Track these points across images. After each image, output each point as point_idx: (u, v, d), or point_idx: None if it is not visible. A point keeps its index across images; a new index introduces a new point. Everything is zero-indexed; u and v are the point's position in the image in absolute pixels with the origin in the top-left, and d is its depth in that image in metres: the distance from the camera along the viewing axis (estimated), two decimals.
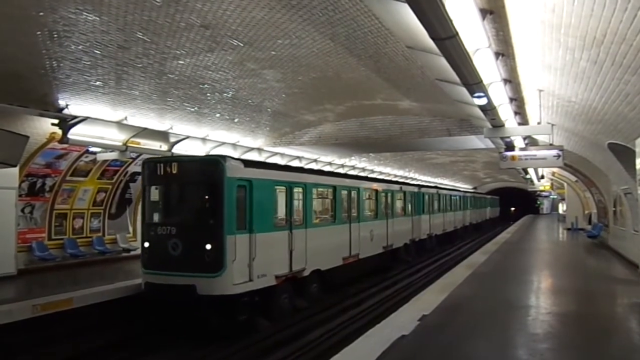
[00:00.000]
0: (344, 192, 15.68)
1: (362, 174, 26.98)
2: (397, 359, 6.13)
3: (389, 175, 32.59)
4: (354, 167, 28.21)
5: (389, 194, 19.89)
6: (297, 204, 12.88)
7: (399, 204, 21.40)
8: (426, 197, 25.34)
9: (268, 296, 10.99)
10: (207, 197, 10.94)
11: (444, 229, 28.91)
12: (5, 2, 7.96)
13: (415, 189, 23.82)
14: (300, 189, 12.92)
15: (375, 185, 18.73)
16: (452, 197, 32.34)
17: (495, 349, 6.71)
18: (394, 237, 19.65)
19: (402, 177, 34.53)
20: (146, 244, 10.80)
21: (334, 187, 14.94)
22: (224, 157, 10.58)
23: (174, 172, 10.67)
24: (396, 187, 21.31)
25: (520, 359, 6.36)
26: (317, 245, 13.07)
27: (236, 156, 17.30)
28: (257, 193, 10.85)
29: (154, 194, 11.36)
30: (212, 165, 10.44)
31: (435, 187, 30.16)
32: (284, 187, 12.24)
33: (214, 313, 10.07)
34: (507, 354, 6.53)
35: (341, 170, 25.74)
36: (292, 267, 11.89)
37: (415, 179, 36.24)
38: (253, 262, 10.36)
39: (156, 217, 11.18)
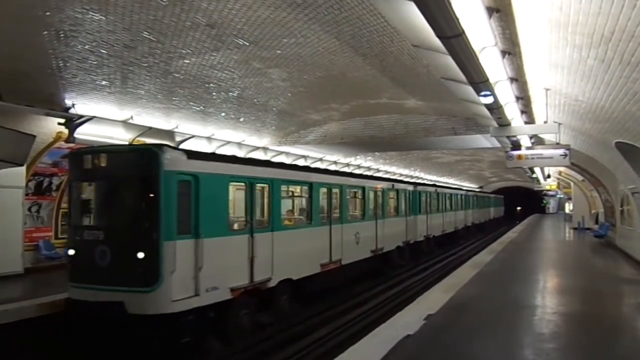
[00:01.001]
0: (323, 190, 13.80)
1: (368, 173, 26.79)
2: (403, 359, 6.11)
3: (394, 174, 32.52)
4: (359, 166, 28.19)
5: (379, 193, 17.84)
6: (261, 203, 11.11)
7: (391, 203, 19.37)
8: (423, 195, 23.44)
9: (222, 312, 9.29)
10: (140, 194, 8.96)
11: (444, 230, 27.06)
12: (13, 2, 8.01)
13: (410, 187, 21.86)
14: (266, 186, 11.05)
15: (362, 183, 16.76)
16: (453, 196, 30.56)
17: (502, 349, 6.68)
18: (384, 239, 17.50)
19: (407, 176, 34.46)
20: (71, 252, 9.00)
21: (310, 185, 12.90)
22: (160, 146, 8.79)
23: (103, 165, 8.91)
24: (387, 184, 19.23)
25: (526, 359, 6.34)
26: (287, 250, 11.21)
27: (241, 153, 17.39)
28: (206, 190, 9.03)
29: (81, 191, 9.59)
30: (146, 156, 8.73)
31: (434, 185, 28.65)
32: (243, 184, 10.45)
33: (149, 335, 8.33)
34: (513, 353, 6.50)
35: (347, 170, 25.64)
36: (254, 277, 10.02)
37: (420, 178, 36.17)
38: (200, 272, 8.59)
39: (83, 219, 9.40)
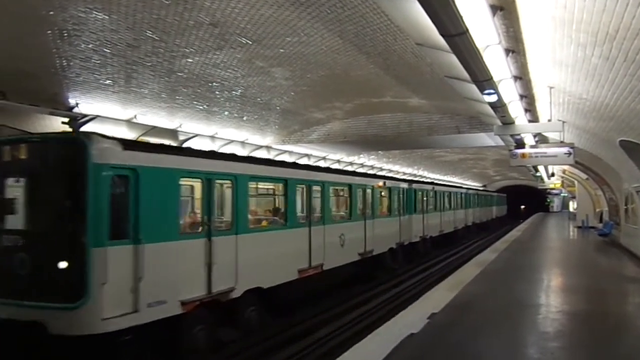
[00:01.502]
0: (301, 188, 12.47)
1: (371, 172, 26.72)
2: (406, 357, 6.11)
3: (398, 173, 32.48)
4: (362, 165, 28.18)
5: (368, 191, 16.25)
6: (222, 202, 10.02)
7: (382, 202, 18.06)
8: (419, 194, 22.07)
9: (172, 330, 8.02)
10: (64, 192, 7.53)
11: (441, 230, 25.55)
12: (16, 2, 8.03)
13: (405, 185, 20.39)
14: (228, 183, 9.78)
15: (348, 180, 15.27)
16: (452, 195, 29.11)
17: (506, 348, 6.67)
18: (374, 241, 16.07)
19: (410, 174, 34.43)
20: None
21: (285, 181, 11.56)
22: (88, 134, 7.55)
23: (22, 157, 7.79)
24: (378, 182, 17.70)
25: (531, 358, 6.32)
26: (255, 256, 9.90)
27: (244, 152, 17.37)
28: (149, 187, 7.70)
29: None
30: (71, 146, 7.48)
31: (432, 182, 27.50)
32: (198, 180, 9.16)
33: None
34: (517, 352, 6.49)
35: (350, 168, 25.60)
36: (212, 288, 8.68)
37: (424, 177, 36.11)
38: (140, 284, 7.29)
39: (2, 222, 7.78)
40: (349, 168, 25.73)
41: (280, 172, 11.53)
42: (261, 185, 11.61)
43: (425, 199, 22.94)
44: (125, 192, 7.47)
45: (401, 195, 19.53)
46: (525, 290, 10.46)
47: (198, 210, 9.38)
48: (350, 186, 15.01)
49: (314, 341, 9.76)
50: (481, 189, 48.54)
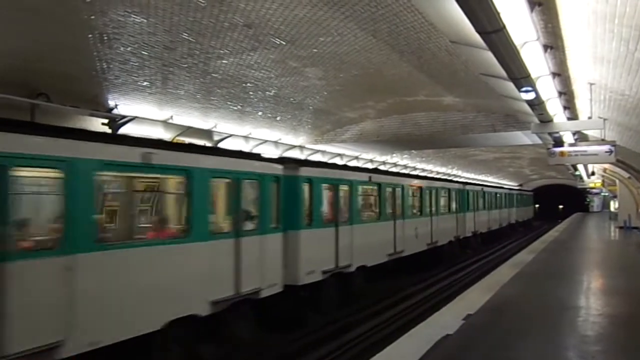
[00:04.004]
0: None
1: (404, 171, 26.55)
2: (442, 359, 6.05)
3: (431, 172, 32.11)
4: (395, 164, 27.99)
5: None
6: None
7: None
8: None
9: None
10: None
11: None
12: (60, 8, 8.30)
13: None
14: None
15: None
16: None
17: (544, 350, 6.52)
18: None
19: (444, 174, 34.00)
20: None
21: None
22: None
23: None
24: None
25: None
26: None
27: (277, 152, 17.58)
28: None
29: None
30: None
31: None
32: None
33: None
34: (556, 355, 6.33)
35: (383, 168, 25.46)
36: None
37: (458, 176, 35.60)
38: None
39: None
40: (382, 167, 25.58)
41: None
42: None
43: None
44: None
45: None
46: (564, 292, 10.20)
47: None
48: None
49: (349, 340, 9.78)
50: (521, 189, 47.68)
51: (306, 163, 12.59)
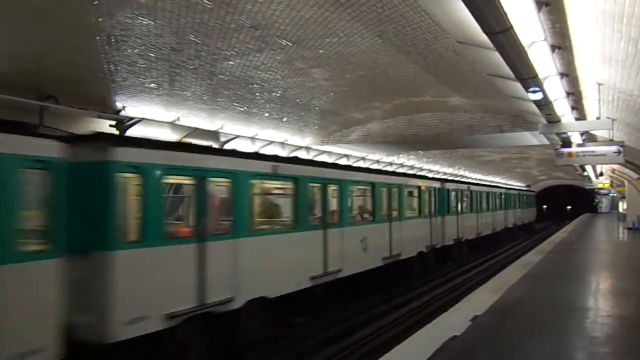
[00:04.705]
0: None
1: (411, 172, 26.31)
2: None
3: (438, 172, 32.04)
4: (402, 165, 27.96)
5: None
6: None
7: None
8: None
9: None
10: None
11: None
12: (68, 11, 8.35)
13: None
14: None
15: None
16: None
17: (552, 351, 6.48)
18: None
19: (451, 174, 33.93)
20: None
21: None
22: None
23: None
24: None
25: None
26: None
27: (284, 153, 17.47)
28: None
29: None
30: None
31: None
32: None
33: None
34: (565, 356, 6.30)
35: (389, 168, 25.34)
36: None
37: (465, 177, 35.50)
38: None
39: None
40: (389, 168, 25.54)
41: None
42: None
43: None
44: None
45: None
46: (573, 294, 10.14)
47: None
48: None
49: (355, 341, 9.76)
50: (526, 189, 47.18)
51: (130, 141, 7.72)
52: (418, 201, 17.08)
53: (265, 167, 9.68)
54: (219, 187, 8.86)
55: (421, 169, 30.10)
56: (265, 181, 10.17)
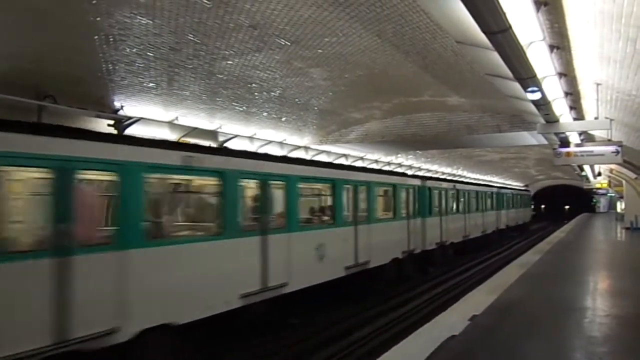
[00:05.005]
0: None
1: (409, 171, 26.27)
2: (447, 359, 6.03)
3: (436, 172, 32.06)
4: (400, 165, 27.96)
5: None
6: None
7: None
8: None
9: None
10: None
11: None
12: (65, 9, 8.34)
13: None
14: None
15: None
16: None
17: (551, 351, 6.49)
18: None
19: (449, 174, 33.95)
20: None
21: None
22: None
23: None
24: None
25: None
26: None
27: (282, 153, 17.49)
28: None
29: None
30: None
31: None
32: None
33: None
34: (563, 356, 6.31)
35: (387, 168, 25.30)
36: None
37: (464, 177, 35.52)
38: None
39: None
40: (387, 168, 25.52)
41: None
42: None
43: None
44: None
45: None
46: (571, 293, 10.15)
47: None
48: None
49: (354, 341, 9.76)
50: (523, 188, 47.20)
51: None
52: (393, 201, 15.22)
53: (170, 157, 7.62)
54: (97, 183, 7.14)
55: (420, 169, 30.11)
56: (173, 176, 8.44)
